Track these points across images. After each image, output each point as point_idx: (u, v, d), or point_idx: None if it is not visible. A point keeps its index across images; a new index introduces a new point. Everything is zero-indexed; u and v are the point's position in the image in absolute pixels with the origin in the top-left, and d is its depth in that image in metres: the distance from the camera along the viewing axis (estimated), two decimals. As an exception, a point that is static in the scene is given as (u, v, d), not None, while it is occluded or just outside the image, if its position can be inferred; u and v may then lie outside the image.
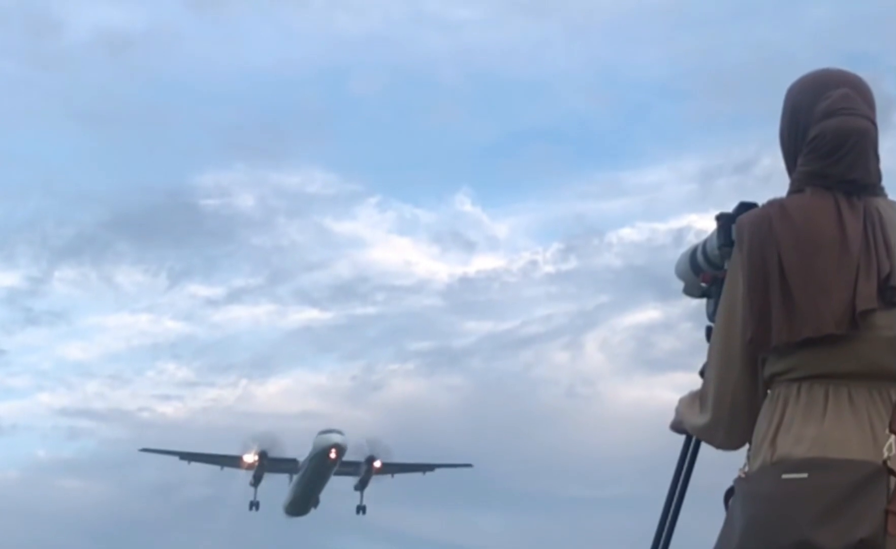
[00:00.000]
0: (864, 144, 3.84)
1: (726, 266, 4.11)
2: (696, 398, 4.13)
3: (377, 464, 77.77)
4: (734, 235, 3.98)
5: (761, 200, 3.99)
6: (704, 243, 4.46)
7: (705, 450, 4.42)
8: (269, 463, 77.01)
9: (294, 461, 77.68)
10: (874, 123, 3.89)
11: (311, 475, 76.63)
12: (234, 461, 77.07)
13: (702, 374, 4.16)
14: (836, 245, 3.70)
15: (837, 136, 3.82)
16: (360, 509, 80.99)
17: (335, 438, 74.00)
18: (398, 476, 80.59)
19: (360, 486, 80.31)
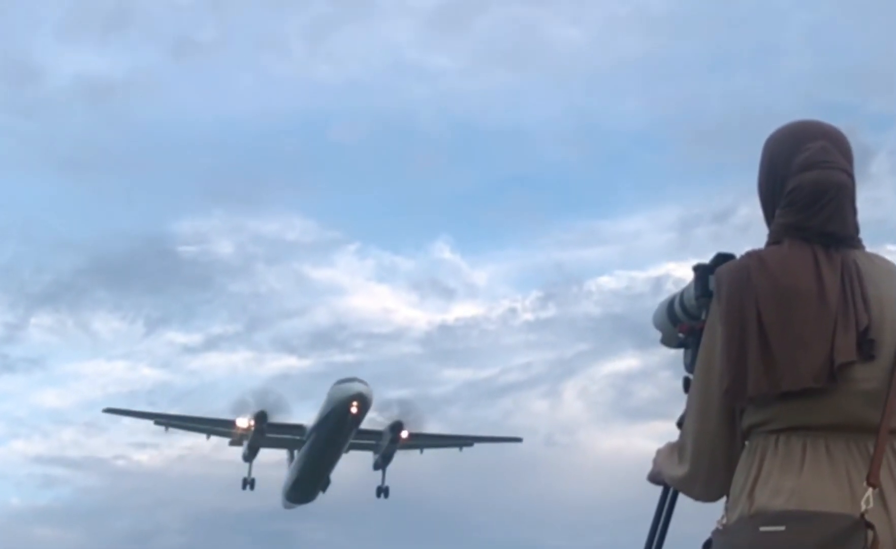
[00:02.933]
0: (841, 197, 3.86)
1: (703, 317, 4.11)
2: (675, 450, 4.12)
3: (404, 434, 61.98)
4: (712, 287, 3.99)
5: (739, 250, 4.00)
6: (682, 294, 4.46)
7: (683, 501, 4.40)
8: (268, 429, 61.14)
9: (300, 427, 62.44)
10: (852, 176, 3.91)
11: (322, 442, 60.52)
12: (223, 427, 62.05)
13: (679, 425, 4.15)
14: (813, 298, 3.71)
15: (815, 189, 3.83)
16: (382, 491, 64.69)
17: (358, 387, 58.37)
18: (428, 453, 65.12)
19: (382, 462, 63.79)
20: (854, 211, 3.92)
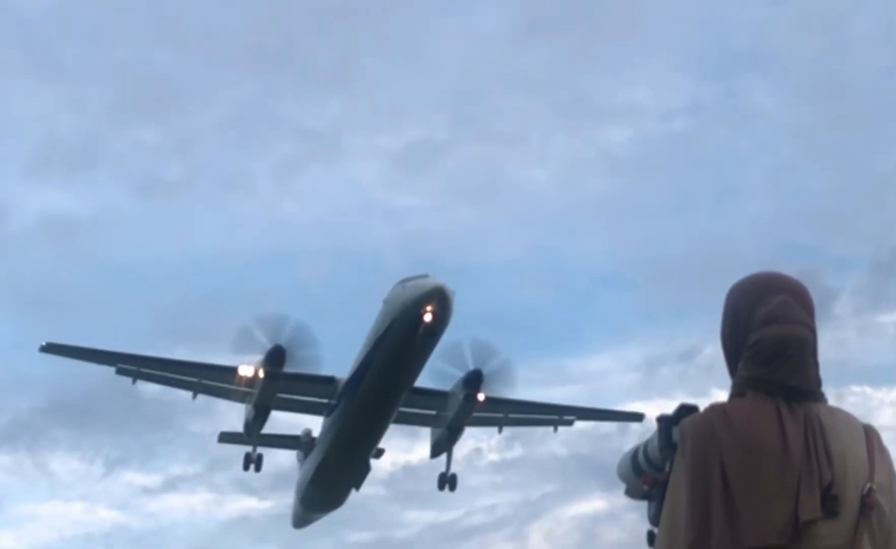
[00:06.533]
0: (803, 352, 3.89)
1: (667, 468, 4.10)
2: (639, 607, 4.07)
3: (480, 397, 41.34)
4: (675, 439, 3.99)
5: (704, 389, 4.03)
6: (646, 445, 4.46)
7: None
8: (284, 382, 40.53)
9: (330, 380, 41.62)
10: (813, 331, 3.95)
11: (372, 386, 39.30)
12: (216, 378, 41.84)
13: (644, 580, 4.11)
14: (777, 454, 3.71)
15: (777, 344, 3.86)
16: (447, 480, 44.68)
17: (435, 281, 37.46)
18: (510, 431, 46.43)
19: (448, 437, 43.16)
20: (816, 365, 3.95)
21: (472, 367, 40.64)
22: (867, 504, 3.69)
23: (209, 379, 41.96)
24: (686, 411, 4.12)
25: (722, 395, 4.06)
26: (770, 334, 3.87)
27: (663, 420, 4.27)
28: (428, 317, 36.69)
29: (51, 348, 42.79)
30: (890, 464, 3.86)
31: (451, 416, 41.71)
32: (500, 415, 43.62)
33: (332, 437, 41.79)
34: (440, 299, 36.77)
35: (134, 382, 42.59)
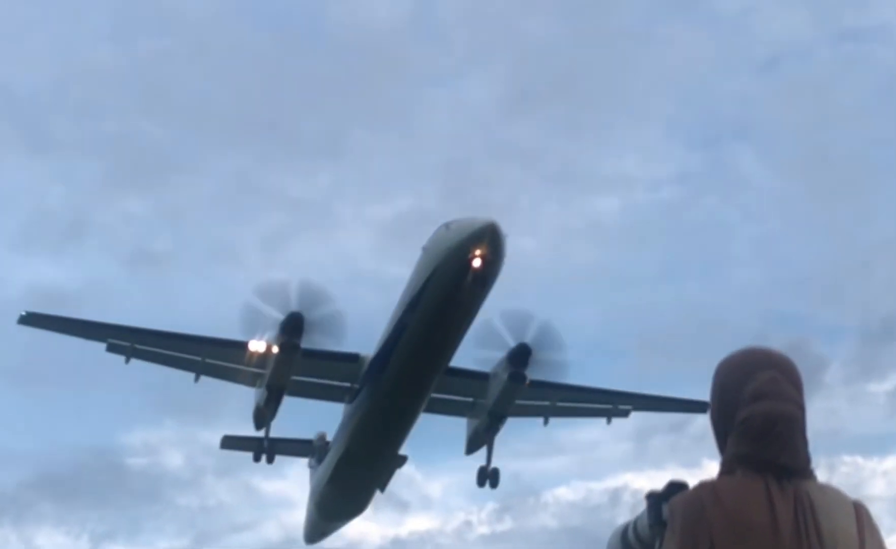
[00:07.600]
0: (791, 429, 3.89)
1: (657, 547, 4.09)
2: None
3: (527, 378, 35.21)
4: (665, 516, 3.98)
5: (695, 460, 4.04)
6: (635, 522, 4.45)
7: None
8: (303, 360, 34.67)
9: (356, 357, 36.36)
10: (802, 408, 3.95)
11: (407, 357, 33.27)
12: (223, 356, 36.20)
13: None
14: (767, 532, 3.70)
15: (765, 421, 3.86)
16: (487, 476, 38.08)
17: (485, 217, 31.87)
18: (558, 423, 39.26)
19: (489, 424, 36.73)
20: (805, 442, 3.94)
21: (513, 344, 34.81)
22: None
23: (214, 357, 36.72)
24: (675, 488, 4.11)
25: (713, 466, 4.07)
26: (759, 411, 3.88)
27: (653, 497, 4.26)
28: (477, 262, 30.77)
29: (31, 319, 38.50)
30: (880, 541, 3.84)
31: (493, 400, 35.67)
32: (547, 403, 37.89)
33: (354, 425, 36.04)
34: (492, 238, 31.05)
35: (127, 361, 37.45)
